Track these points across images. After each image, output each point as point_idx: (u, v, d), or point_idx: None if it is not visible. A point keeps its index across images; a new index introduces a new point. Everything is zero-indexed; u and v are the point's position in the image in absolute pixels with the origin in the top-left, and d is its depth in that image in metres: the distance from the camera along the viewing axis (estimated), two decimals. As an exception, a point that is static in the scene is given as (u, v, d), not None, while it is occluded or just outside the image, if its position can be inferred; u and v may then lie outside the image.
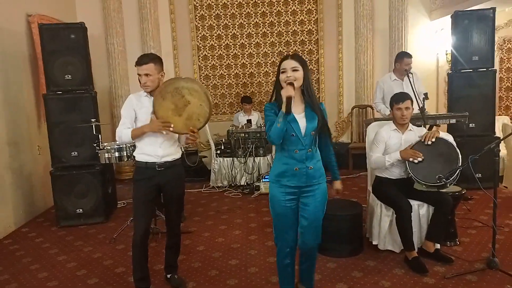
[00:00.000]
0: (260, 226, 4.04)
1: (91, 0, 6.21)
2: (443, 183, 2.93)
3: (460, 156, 3.00)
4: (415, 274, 2.89)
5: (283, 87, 2.15)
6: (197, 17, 6.52)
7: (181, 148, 2.88)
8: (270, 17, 6.53)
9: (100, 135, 3.96)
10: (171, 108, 2.54)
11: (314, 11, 6.52)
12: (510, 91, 6.73)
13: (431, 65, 6.58)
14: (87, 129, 4.14)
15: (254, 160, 5.49)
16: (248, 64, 6.64)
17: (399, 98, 3.22)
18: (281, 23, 6.55)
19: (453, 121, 4.19)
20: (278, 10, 6.51)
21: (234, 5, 6.50)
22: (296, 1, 6.50)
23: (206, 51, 6.60)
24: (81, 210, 4.31)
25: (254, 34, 6.57)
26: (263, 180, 5.20)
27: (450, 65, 5.96)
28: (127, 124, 2.67)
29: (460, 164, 2.96)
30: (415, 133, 3.24)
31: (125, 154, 3.84)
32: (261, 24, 6.55)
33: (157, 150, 2.68)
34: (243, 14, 6.52)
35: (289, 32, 6.57)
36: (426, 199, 3.13)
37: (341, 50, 6.56)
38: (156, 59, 2.67)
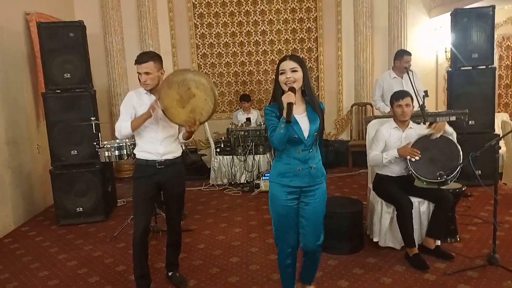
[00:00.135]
0: (261, 224, 4.04)
1: (90, -2, 6.20)
2: (444, 180, 2.94)
3: (461, 153, 3.00)
4: (416, 271, 2.89)
5: (282, 89, 2.14)
6: (196, 15, 6.51)
7: (181, 145, 2.87)
8: (269, 15, 6.52)
9: (100, 134, 3.95)
10: (176, 99, 2.52)
11: (313, 9, 6.51)
12: (509, 88, 6.75)
13: (431, 63, 6.59)
14: (87, 128, 4.14)
15: (253, 158, 5.48)
16: (247, 62, 6.63)
17: (399, 95, 3.23)
18: (280, 21, 6.54)
19: (453, 118, 4.18)
20: (277, 8, 6.50)
21: (233, 3, 6.49)
22: (295, -1, 6.50)
23: (205, 49, 6.59)
24: (81, 208, 4.30)
25: (253, 32, 6.56)
26: (263, 178, 5.20)
27: (449, 62, 5.97)
28: (126, 119, 2.66)
29: (461, 161, 2.96)
30: (415, 130, 3.24)
31: (125, 153, 3.85)
32: (260, 22, 6.54)
33: (157, 148, 2.68)
34: (242, 12, 6.51)
35: (288, 30, 6.56)
36: (426, 196, 3.14)
37: (340, 48, 6.56)
38: (155, 57, 2.66)
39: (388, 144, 3.21)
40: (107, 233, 3.99)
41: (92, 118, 4.08)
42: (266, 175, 5.21)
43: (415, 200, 3.11)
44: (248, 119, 5.86)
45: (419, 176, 3.04)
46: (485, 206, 4.17)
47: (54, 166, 4.30)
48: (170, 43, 6.51)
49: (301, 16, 6.53)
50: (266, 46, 6.59)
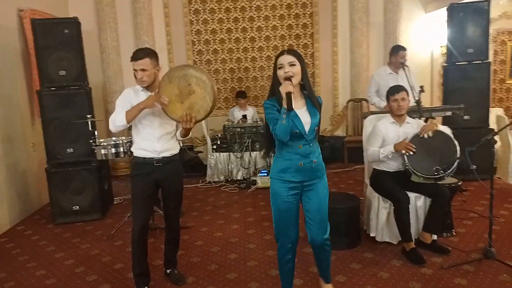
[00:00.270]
0: (258, 220, 4.05)
1: (84, -6, 6.15)
2: (440, 175, 2.95)
3: (458, 148, 3.02)
4: (413, 265, 2.92)
5: (281, 83, 2.14)
6: (191, 11, 6.47)
7: (179, 143, 2.86)
8: (265, 11, 6.50)
9: (96, 131, 3.93)
10: (176, 93, 2.50)
11: (309, 4, 6.50)
12: (503, 83, 6.79)
13: (426, 58, 6.61)
14: (82, 125, 4.11)
15: (250, 155, 5.48)
16: (243, 59, 6.62)
17: (394, 90, 3.25)
18: (276, 17, 6.52)
19: (448, 113, 4.21)
20: (273, 4, 6.48)
21: (229, -1, 6.47)
22: (290, -5, 6.48)
23: (201, 45, 6.57)
24: (77, 207, 4.28)
25: (249, 29, 6.54)
26: (260, 174, 5.20)
27: (444, 58, 5.98)
28: (121, 111, 2.62)
29: (458, 156, 2.98)
30: (412, 125, 3.26)
31: (121, 150, 3.84)
32: (256, 18, 6.52)
33: (155, 145, 2.67)
34: (237, 8, 6.48)
35: (284, 26, 6.54)
36: (423, 191, 3.15)
37: (336, 44, 6.55)
38: (151, 54, 2.65)
39: (385, 139, 3.22)
40: (104, 231, 3.97)
41: (88, 116, 4.05)
42: (262, 171, 5.21)
43: (411, 195, 3.13)
44: (245, 116, 5.84)
45: (416, 171, 3.05)
46: (480, 201, 4.21)
47: (50, 164, 4.28)
48: (165, 40, 6.47)
49: (296, 12, 6.52)
50: (262, 42, 6.57)
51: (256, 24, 6.54)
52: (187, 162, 5.79)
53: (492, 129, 4.90)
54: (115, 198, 4.97)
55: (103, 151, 3.80)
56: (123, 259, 3.30)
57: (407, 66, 4.34)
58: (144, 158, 2.67)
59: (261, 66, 6.62)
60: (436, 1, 6.16)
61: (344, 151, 6.17)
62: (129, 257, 3.16)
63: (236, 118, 5.93)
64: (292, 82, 2.10)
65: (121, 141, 3.82)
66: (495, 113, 5.76)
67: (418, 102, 3.82)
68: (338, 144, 6.31)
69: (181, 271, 2.99)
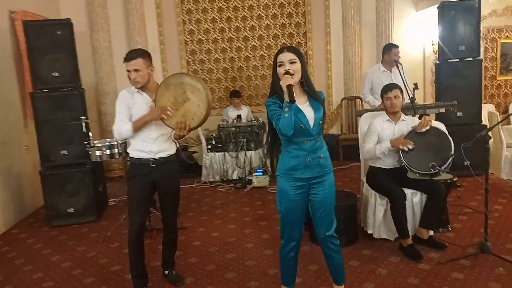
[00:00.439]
0: (255, 220, 4.05)
1: (75, -5, 6.09)
2: (436, 171, 2.98)
3: (452, 144, 3.05)
4: (410, 261, 2.94)
5: (281, 80, 2.13)
6: (184, 11, 6.45)
7: (176, 143, 2.85)
8: (257, 10, 6.50)
9: (90, 133, 3.91)
10: (171, 101, 2.52)
11: (302, 3, 6.50)
12: (494, 80, 6.87)
13: (418, 56, 6.65)
14: (76, 127, 4.08)
15: (245, 154, 5.48)
16: (237, 58, 6.61)
17: (387, 88, 3.29)
18: (269, 16, 6.52)
19: (442, 110, 4.25)
20: (266, 3, 6.48)
21: (221, -2, 6.46)
22: (283, -6, 6.49)
23: (194, 45, 6.55)
24: (72, 209, 4.25)
25: (242, 28, 6.53)
26: (255, 174, 5.20)
27: (436, 55, 6.04)
28: (124, 120, 2.64)
29: (452, 152, 3.01)
30: (407, 123, 3.28)
31: (116, 152, 3.81)
32: (249, 17, 6.51)
33: (151, 146, 2.66)
34: (230, 8, 6.47)
35: (277, 25, 6.55)
36: (419, 187, 3.18)
37: (329, 43, 6.57)
38: (144, 54, 2.64)
39: (381, 137, 3.25)
40: (100, 233, 3.95)
41: (83, 117, 4.02)
42: (258, 171, 5.21)
43: (408, 192, 3.15)
44: (239, 116, 5.84)
45: (411, 168, 3.08)
46: (474, 196, 4.25)
47: (44, 167, 4.24)
48: (158, 40, 6.44)
49: (289, 11, 6.53)
50: (255, 41, 6.57)
51: (249, 24, 6.53)
52: (180, 163, 5.77)
53: (485, 125, 4.95)
54: (110, 200, 4.95)
55: (97, 153, 3.77)
56: (120, 261, 3.28)
57: (400, 64, 4.38)
58: (140, 159, 2.66)
59: (254, 65, 6.62)
60: (427, -1, 6.22)
61: (339, 149, 6.19)
62: (126, 259, 3.15)
63: (230, 117, 5.92)
64: (292, 76, 2.09)
65: (115, 143, 3.79)
66: (487, 110, 5.82)
67: (412, 99, 3.86)
68: (333, 142, 6.32)
69: (179, 272, 2.98)
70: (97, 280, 3.00)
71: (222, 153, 5.53)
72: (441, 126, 3.26)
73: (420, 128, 3.14)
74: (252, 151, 5.51)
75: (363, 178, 3.60)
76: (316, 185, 2.24)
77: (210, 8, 6.46)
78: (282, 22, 6.55)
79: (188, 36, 6.52)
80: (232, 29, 6.53)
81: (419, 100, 5.87)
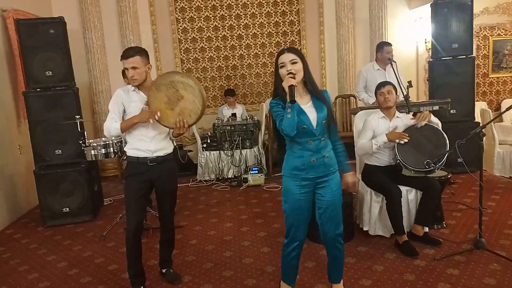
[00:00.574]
0: (251, 218, 4.06)
1: (67, -7, 6.04)
2: (431, 168, 3.01)
3: (447, 141, 3.08)
4: (406, 257, 2.97)
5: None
6: (177, 9, 6.43)
7: (173, 142, 2.85)
8: (251, 9, 6.50)
9: (85, 132, 3.89)
10: (164, 101, 2.51)
11: (296, 1, 6.51)
12: (486, 77, 6.93)
13: (411, 54, 6.70)
14: (70, 126, 4.06)
15: (241, 153, 5.49)
16: (231, 57, 6.60)
17: (381, 85, 3.34)
18: (263, 14, 6.52)
19: (435, 107, 4.28)
20: (260, 1, 6.48)
21: (215, -3, 6.44)
22: (277, -8, 6.49)
23: (188, 44, 6.53)
24: (67, 209, 4.22)
25: (236, 26, 6.52)
26: (251, 172, 5.21)
27: (429, 53, 6.09)
28: (115, 118, 2.63)
29: (447, 149, 3.04)
30: (402, 120, 3.31)
31: (111, 151, 3.80)
32: (243, 15, 6.51)
33: (148, 145, 2.65)
34: (224, 6, 6.46)
35: (271, 24, 6.55)
36: (414, 184, 3.21)
37: (323, 41, 6.59)
38: (142, 52, 2.63)
39: (376, 133, 3.27)
40: (96, 232, 3.93)
41: (77, 117, 3.99)
42: (253, 169, 5.22)
43: (403, 189, 3.18)
44: (234, 114, 5.84)
45: (407, 165, 3.10)
46: (468, 193, 4.30)
47: (38, 167, 4.21)
48: (151, 38, 6.41)
49: (283, 9, 6.53)
50: (249, 39, 6.56)
51: (243, 22, 6.53)
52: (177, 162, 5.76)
53: (478, 123, 5.01)
54: (105, 199, 4.93)
55: (93, 152, 3.76)
56: (117, 260, 3.27)
57: (394, 62, 4.41)
58: (137, 158, 2.66)
59: (249, 63, 6.62)
60: (420, -3, 6.26)
61: (333, 147, 6.20)
62: (122, 258, 3.16)
63: (225, 116, 5.92)
64: (294, 77, 2.10)
65: (111, 142, 3.78)
66: (479, 107, 5.88)
67: (406, 97, 3.88)
68: (327, 140, 6.35)
69: (177, 270, 2.98)
70: (94, 280, 2.99)
71: (218, 151, 5.53)
72: (438, 122, 3.29)
73: (419, 120, 3.16)
74: (247, 150, 5.52)
75: (359, 176, 3.62)
76: (322, 184, 2.24)
77: (204, 6, 6.44)
78: (276, 20, 6.55)
79: (182, 35, 6.49)
80: (226, 27, 6.52)
81: (412, 98, 5.92)
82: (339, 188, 2.29)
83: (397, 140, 3.11)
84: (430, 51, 5.51)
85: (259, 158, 5.51)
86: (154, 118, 2.51)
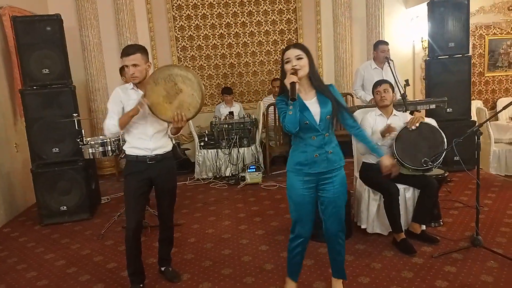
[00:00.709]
0: (249, 216, 4.07)
1: (63, -9, 6.00)
2: (428, 166, 3.03)
3: (445, 139, 3.10)
4: (404, 255, 2.99)
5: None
6: (174, 7, 6.41)
7: (172, 140, 2.84)
8: (248, 7, 6.49)
9: (83, 130, 3.87)
10: (163, 95, 2.50)
11: (293, 0, 6.52)
12: (482, 76, 6.98)
13: (408, 52, 6.73)
14: (67, 125, 4.05)
15: (238, 151, 5.49)
16: (228, 55, 6.60)
17: (377, 83, 3.37)
18: (260, 12, 6.52)
19: (432, 106, 4.32)
20: (256, -1, 6.49)
21: (212, -6, 6.43)
22: (274, -10, 6.49)
23: (185, 42, 6.51)
24: (65, 207, 4.21)
25: (233, 24, 6.52)
26: (249, 170, 5.21)
27: (426, 52, 6.11)
28: (114, 117, 2.61)
29: (445, 147, 3.06)
30: (399, 118, 3.33)
31: (109, 149, 3.79)
32: (240, 14, 6.50)
33: (147, 143, 2.64)
34: (221, 4, 6.45)
35: (268, 22, 6.55)
36: (412, 182, 3.23)
37: (320, 39, 6.61)
38: (142, 49, 2.63)
39: (374, 131, 3.28)
40: (94, 231, 3.92)
41: (75, 115, 3.98)
42: (251, 167, 5.23)
43: (400, 187, 3.19)
44: (231, 113, 5.84)
45: (404, 164, 3.12)
46: (464, 191, 4.33)
47: (35, 165, 4.19)
48: (148, 36, 6.39)
49: (280, 8, 6.54)
50: (246, 38, 6.56)
51: (240, 20, 6.52)
52: (177, 159, 5.75)
53: (474, 121, 5.04)
54: (102, 198, 4.91)
55: (90, 150, 3.75)
56: (116, 258, 3.27)
57: (391, 60, 4.42)
58: (137, 156, 2.65)
59: (246, 62, 6.62)
60: (416, -4, 6.28)
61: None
62: (121, 256, 3.16)
63: (222, 114, 5.92)
64: (297, 74, 2.11)
65: (108, 140, 3.77)
66: (475, 106, 5.92)
67: (403, 96, 3.91)
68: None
69: (176, 269, 2.98)
70: (93, 278, 2.98)
71: (215, 150, 5.53)
72: (433, 122, 3.31)
73: (410, 125, 3.19)
74: (245, 148, 5.52)
75: (356, 174, 3.64)
76: (326, 180, 2.25)
77: (201, 4, 6.43)
78: (273, 19, 6.55)
79: (179, 32, 6.48)
80: (223, 25, 6.51)
81: (408, 96, 5.96)
82: (342, 185, 2.30)
83: (386, 134, 3.12)
84: (427, 49, 5.54)
85: (256, 157, 5.51)
86: (143, 100, 2.46)
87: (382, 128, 3.21)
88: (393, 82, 3.65)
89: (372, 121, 3.32)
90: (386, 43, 4.75)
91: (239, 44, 6.57)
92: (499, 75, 7.01)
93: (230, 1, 6.46)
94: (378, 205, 3.29)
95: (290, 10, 6.56)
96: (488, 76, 7.00)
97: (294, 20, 6.58)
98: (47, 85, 4.17)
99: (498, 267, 2.73)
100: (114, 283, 2.90)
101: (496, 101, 6.98)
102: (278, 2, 6.52)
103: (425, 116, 4.54)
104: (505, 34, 6.88)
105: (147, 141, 2.65)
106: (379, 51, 4.70)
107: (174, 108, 2.52)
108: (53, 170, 4.18)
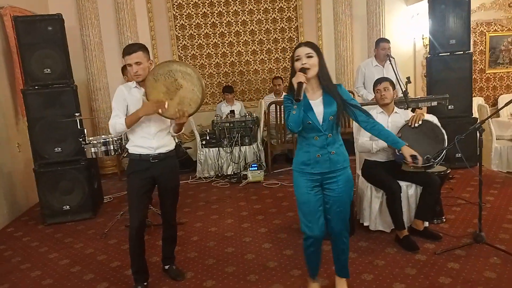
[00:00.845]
0: (252, 214, 4.07)
1: (64, -10, 6.00)
2: (431, 163, 3.03)
3: (446, 136, 3.10)
4: (407, 252, 3.00)
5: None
6: (174, 6, 6.40)
7: (174, 138, 2.85)
8: (249, 5, 6.49)
9: (85, 130, 3.88)
10: (163, 91, 2.49)
11: (293, -3, 6.52)
12: (483, 73, 6.98)
13: (409, 50, 6.73)
14: (69, 124, 4.05)
15: (240, 150, 5.49)
16: (229, 53, 6.60)
17: (377, 81, 3.37)
18: (260, 10, 6.52)
19: (434, 103, 4.32)
20: (257, -3, 6.48)
21: (212, -7, 6.43)
22: (274, -12, 6.49)
23: (186, 40, 6.51)
24: (67, 206, 4.22)
25: (234, 23, 6.52)
26: (250, 169, 5.22)
27: (426, 49, 6.11)
28: (120, 115, 2.61)
29: (446, 145, 3.06)
30: (401, 115, 3.33)
31: (112, 148, 3.80)
32: (240, 12, 6.50)
33: (150, 142, 2.65)
34: (221, 2, 6.45)
35: (269, 20, 6.55)
36: (414, 180, 3.23)
37: (320, 37, 6.61)
38: (143, 48, 2.63)
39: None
40: (97, 230, 3.93)
41: (77, 114, 3.98)
42: (253, 166, 5.23)
43: (403, 184, 3.20)
44: (232, 111, 5.85)
45: (406, 162, 3.11)
46: (466, 188, 4.33)
47: (38, 165, 4.20)
48: (149, 35, 6.38)
49: (281, 6, 6.53)
50: (247, 36, 6.56)
51: (240, 18, 6.52)
52: (179, 158, 5.77)
53: (476, 118, 5.05)
54: (105, 197, 4.92)
55: (93, 149, 3.75)
56: (119, 257, 3.28)
57: (393, 58, 4.42)
58: (140, 155, 2.66)
59: (247, 60, 6.62)
60: (417, -6, 6.28)
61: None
62: (125, 255, 3.17)
63: (223, 113, 5.92)
64: (306, 73, 2.11)
65: (110, 139, 3.77)
66: (476, 102, 5.92)
67: (405, 93, 3.91)
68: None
69: (180, 267, 2.99)
70: (97, 277, 3.00)
71: (217, 148, 5.54)
72: (433, 118, 3.31)
73: (412, 122, 3.19)
74: (247, 146, 5.52)
75: (359, 172, 3.64)
76: (330, 180, 2.25)
77: (201, 2, 6.42)
78: (274, 17, 6.55)
79: (180, 31, 6.48)
80: (223, 24, 6.51)
81: (411, 94, 5.96)
82: (347, 185, 2.29)
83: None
84: (428, 47, 5.53)
85: (258, 155, 5.52)
86: (163, 108, 2.47)
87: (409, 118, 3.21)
88: (394, 79, 3.66)
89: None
90: (387, 41, 4.74)
91: (240, 42, 6.57)
92: (500, 72, 7.00)
93: (231, 0, 6.45)
94: (381, 203, 3.29)
95: (291, 8, 6.55)
96: (489, 73, 6.99)
97: (294, 18, 6.57)
98: (48, 84, 4.18)
99: (501, 263, 2.74)
100: (118, 282, 2.91)
101: (497, 98, 6.98)
102: (279, 0, 6.51)
103: (426, 113, 4.56)
104: (506, 31, 6.87)
105: (150, 139, 2.65)
106: (380, 48, 4.70)
107: (175, 104, 2.52)
108: (56, 170, 4.19)
